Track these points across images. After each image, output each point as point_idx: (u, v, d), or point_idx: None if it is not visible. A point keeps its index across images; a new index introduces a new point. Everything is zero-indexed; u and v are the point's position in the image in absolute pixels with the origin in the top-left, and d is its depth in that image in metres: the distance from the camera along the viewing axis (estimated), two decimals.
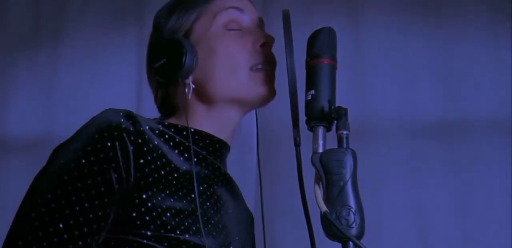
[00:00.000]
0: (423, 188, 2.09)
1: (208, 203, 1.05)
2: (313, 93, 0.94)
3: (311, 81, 0.96)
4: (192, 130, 1.07)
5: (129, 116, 0.98)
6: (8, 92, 2.50)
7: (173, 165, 1.00)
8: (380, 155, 2.13)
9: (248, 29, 1.11)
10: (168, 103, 1.14)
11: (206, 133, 1.08)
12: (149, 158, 0.97)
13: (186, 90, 1.06)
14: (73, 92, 2.37)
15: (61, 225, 0.88)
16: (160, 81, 1.10)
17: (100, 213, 0.91)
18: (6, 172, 2.37)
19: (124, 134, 0.95)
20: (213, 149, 1.09)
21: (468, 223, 2.04)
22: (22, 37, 2.53)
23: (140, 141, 0.96)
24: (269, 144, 2.20)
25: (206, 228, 1.01)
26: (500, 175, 2.06)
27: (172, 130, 1.05)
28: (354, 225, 0.85)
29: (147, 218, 0.94)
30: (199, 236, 0.98)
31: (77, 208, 0.89)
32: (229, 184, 1.14)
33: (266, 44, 1.10)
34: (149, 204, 0.94)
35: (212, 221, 1.04)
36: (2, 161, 2.42)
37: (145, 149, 0.97)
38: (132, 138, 0.95)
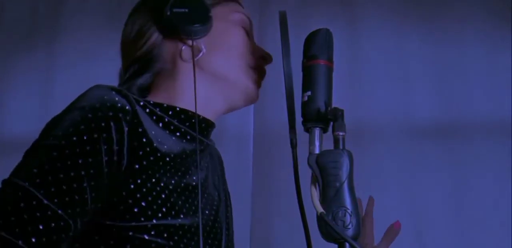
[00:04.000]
0: (420, 189, 2.09)
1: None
2: (310, 94, 0.94)
3: (308, 82, 0.96)
4: (178, 109, 1.06)
5: (123, 94, 0.97)
6: (6, 93, 2.51)
7: (166, 147, 1.00)
8: (376, 156, 2.13)
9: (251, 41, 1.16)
10: (149, 62, 1.11)
11: (192, 112, 1.07)
12: (144, 139, 0.96)
13: (183, 50, 1.08)
14: (70, 92, 2.34)
15: (45, 201, 0.84)
16: (164, 28, 1.08)
17: (85, 196, 0.87)
18: (4, 172, 2.36)
19: (120, 115, 0.93)
20: (199, 128, 1.09)
21: (466, 224, 2.05)
22: (18, 37, 2.53)
23: (135, 121, 0.96)
24: (265, 145, 2.21)
25: (202, 205, 1.05)
26: (498, 176, 2.06)
27: (158, 109, 1.04)
28: (350, 226, 0.85)
29: (143, 203, 0.93)
30: (191, 213, 1.00)
31: (64, 187, 0.86)
32: (209, 150, 1.17)
33: (265, 60, 1.15)
34: (144, 189, 0.94)
35: (205, 195, 1.09)
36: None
37: (140, 130, 0.96)
38: (127, 118, 0.94)
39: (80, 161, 0.88)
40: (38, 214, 0.83)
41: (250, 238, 2.17)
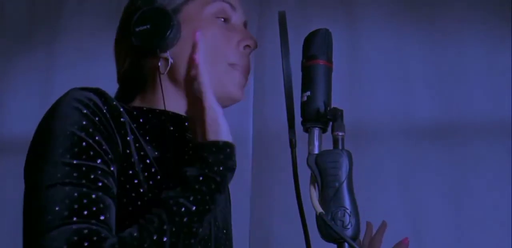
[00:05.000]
0: (420, 189, 2.10)
1: None
2: (309, 94, 0.94)
3: (307, 83, 0.96)
4: (157, 111, 1.07)
5: (99, 92, 0.99)
6: (6, 93, 2.51)
7: (144, 139, 1.02)
8: (376, 156, 2.13)
9: (234, 26, 1.12)
10: (134, 78, 1.12)
11: (172, 112, 1.08)
12: (124, 131, 0.98)
13: (160, 64, 1.06)
14: None
15: (93, 186, 0.89)
16: (135, 47, 1.07)
17: (105, 158, 0.92)
18: (4, 172, 2.37)
19: (97, 100, 0.96)
20: (181, 127, 1.09)
21: (465, 224, 2.05)
22: (18, 37, 2.53)
23: (115, 113, 0.97)
24: (264, 145, 2.21)
25: None
26: (498, 176, 2.06)
27: (135, 113, 1.05)
28: (349, 226, 0.85)
29: (141, 190, 0.96)
30: None
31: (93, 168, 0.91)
32: None
33: (249, 47, 1.11)
34: (146, 173, 0.98)
35: None
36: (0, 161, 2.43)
37: (122, 119, 0.98)
38: (103, 100, 0.97)
39: (91, 141, 0.92)
40: (94, 196, 0.89)
41: (249, 238, 2.17)
